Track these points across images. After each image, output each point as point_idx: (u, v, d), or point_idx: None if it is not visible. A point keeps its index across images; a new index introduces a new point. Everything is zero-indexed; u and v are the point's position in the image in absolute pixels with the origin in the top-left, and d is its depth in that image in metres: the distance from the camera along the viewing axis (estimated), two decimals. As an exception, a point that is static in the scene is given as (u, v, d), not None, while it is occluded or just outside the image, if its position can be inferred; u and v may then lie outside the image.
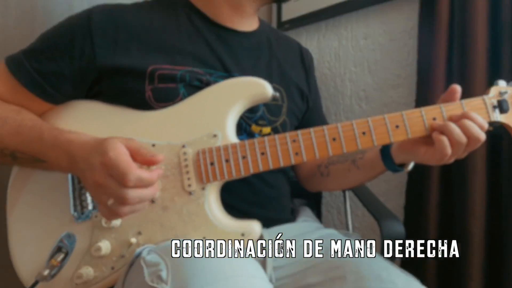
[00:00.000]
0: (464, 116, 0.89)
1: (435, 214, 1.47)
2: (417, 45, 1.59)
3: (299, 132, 0.94)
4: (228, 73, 1.11)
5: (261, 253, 1.03)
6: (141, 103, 1.02)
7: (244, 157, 0.95)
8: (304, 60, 1.37)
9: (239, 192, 1.08)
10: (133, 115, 1.03)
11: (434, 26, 1.49)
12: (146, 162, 0.87)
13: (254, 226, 0.96)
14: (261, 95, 1.01)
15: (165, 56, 1.06)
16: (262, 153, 0.94)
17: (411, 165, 1.05)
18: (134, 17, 1.09)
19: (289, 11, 2.12)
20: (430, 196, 1.47)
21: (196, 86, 1.05)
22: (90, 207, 0.98)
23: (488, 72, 1.37)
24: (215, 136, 0.97)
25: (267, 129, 1.12)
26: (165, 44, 1.08)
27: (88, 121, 1.04)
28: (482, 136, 0.88)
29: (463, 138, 0.88)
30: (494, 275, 1.33)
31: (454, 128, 0.88)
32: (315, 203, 1.58)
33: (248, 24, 1.21)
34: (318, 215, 1.56)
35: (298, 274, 1.01)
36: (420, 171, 1.49)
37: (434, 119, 0.92)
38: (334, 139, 0.94)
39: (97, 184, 0.83)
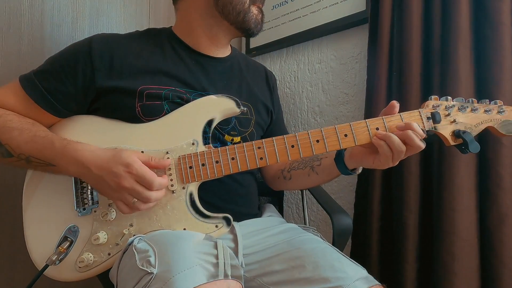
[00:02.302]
0: (408, 126, 0.91)
1: (378, 209, 1.47)
2: (366, 68, 1.60)
3: (264, 140, 0.97)
4: (205, 92, 1.12)
5: (233, 242, 1.06)
6: (132, 118, 1.05)
7: (217, 162, 0.98)
8: (268, 81, 1.38)
9: (214, 190, 1.09)
10: (125, 127, 1.05)
11: (377, 52, 1.51)
12: (159, 167, 0.95)
13: (225, 220, 1.00)
14: (231, 110, 1.04)
15: (152, 78, 1.08)
16: (233, 158, 0.97)
17: (360, 169, 1.08)
18: (127, 45, 1.11)
19: (256, 40, 2.14)
20: (374, 194, 1.48)
21: (177, 103, 1.06)
22: (90, 203, 1.01)
23: (421, 90, 1.39)
24: (193, 144, 1.00)
25: (237, 139, 1.14)
26: (153, 68, 1.10)
27: (90, 132, 1.06)
28: (422, 145, 0.90)
29: (402, 147, 0.90)
30: (425, 259, 1.34)
31: (395, 138, 0.90)
32: (277, 200, 1.57)
33: (222, 51, 1.24)
34: (280, 210, 1.56)
35: (264, 262, 1.02)
36: (366, 173, 1.51)
37: (377, 129, 0.94)
38: (292, 146, 0.96)
39: (123, 188, 0.90)
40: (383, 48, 1.49)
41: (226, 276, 0.93)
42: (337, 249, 1.04)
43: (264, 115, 1.29)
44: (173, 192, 0.98)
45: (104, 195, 0.97)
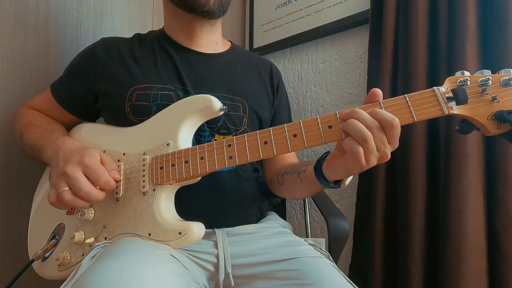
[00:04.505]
0: (350, 115, 0.75)
1: (381, 209, 1.41)
2: (367, 69, 1.55)
3: (234, 138, 0.87)
4: (193, 89, 1.10)
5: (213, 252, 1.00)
6: (123, 118, 1.06)
7: (186, 162, 0.90)
8: (273, 77, 1.31)
9: (206, 192, 1.05)
10: (114, 131, 1.07)
11: (381, 51, 1.46)
12: (108, 168, 0.92)
13: (193, 227, 0.89)
14: (209, 109, 0.97)
15: (142, 78, 1.09)
16: (201, 158, 0.89)
17: (347, 181, 0.87)
18: (124, 48, 1.15)
19: (259, 40, 2.11)
20: (377, 194, 1.42)
21: (165, 103, 1.04)
22: None
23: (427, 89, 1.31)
24: (168, 144, 0.95)
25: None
26: (144, 68, 1.11)
27: (83, 137, 1.11)
28: (365, 134, 0.72)
29: (365, 133, 0.72)
30: (432, 262, 1.29)
31: (355, 123, 0.73)
32: (281, 200, 1.53)
33: (211, 47, 1.21)
34: (283, 210, 1.53)
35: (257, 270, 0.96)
36: (369, 172, 1.45)
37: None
38: (265, 143, 0.83)
39: (64, 173, 0.85)
40: (387, 47, 1.43)
41: (227, 275, 0.95)
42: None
43: (262, 112, 1.20)
44: (144, 193, 0.93)
45: (49, 182, 0.93)
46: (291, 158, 1.25)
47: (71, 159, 0.87)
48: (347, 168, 0.77)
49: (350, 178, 0.87)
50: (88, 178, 0.86)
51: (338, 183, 0.87)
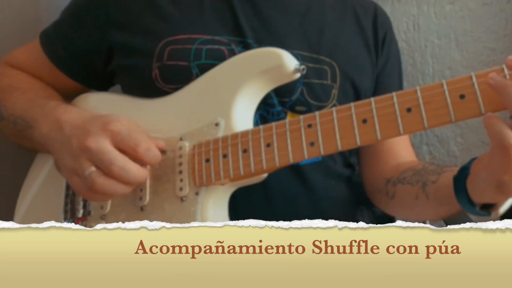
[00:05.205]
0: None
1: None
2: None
3: (317, 114, 0.69)
4: (256, 43, 0.90)
5: None
6: (149, 84, 0.88)
7: (245, 151, 0.72)
8: (377, 27, 1.05)
9: (276, 208, 0.87)
10: (136, 105, 0.90)
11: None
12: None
13: None
14: (279, 70, 0.77)
15: (179, 24, 0.91)
16: (268, 145, 0.71)
17: (506, 205, 0.63)
18: None
19: None
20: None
21: (212, 64, 0.85)
22: (79, 214, 0.88)
23: None
24: (217, 125, 0.78)
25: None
26: (182, 10, 0.92)
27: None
28: None
29: None
30: None
31: None
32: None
33: None
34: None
35: None
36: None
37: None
38: (364, 121, 0.66)
39: (84, 149, 0.71)
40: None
41: None
42: None
43: (360, 80, 0.98)
44: (181, 199, 0.77)
45: (61, 171, 0.78)
46: (406, 154, 1.00)
47: (90, 130, 0.72)
48: (492, 172, 0.54)
49: (509, 201, 0.62)
50: (121, 150, 0.71)
51: (488, 208, 0.63)
